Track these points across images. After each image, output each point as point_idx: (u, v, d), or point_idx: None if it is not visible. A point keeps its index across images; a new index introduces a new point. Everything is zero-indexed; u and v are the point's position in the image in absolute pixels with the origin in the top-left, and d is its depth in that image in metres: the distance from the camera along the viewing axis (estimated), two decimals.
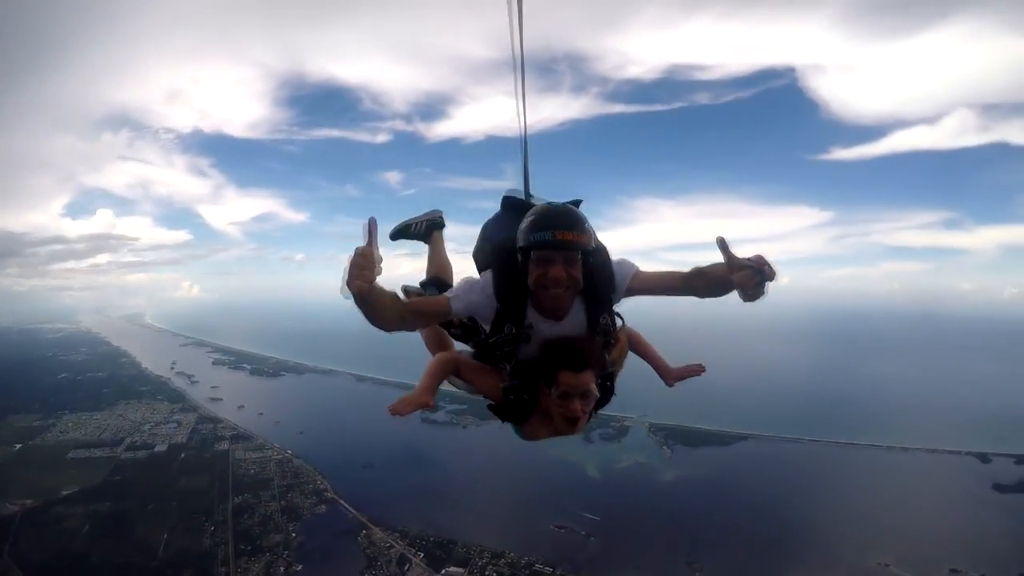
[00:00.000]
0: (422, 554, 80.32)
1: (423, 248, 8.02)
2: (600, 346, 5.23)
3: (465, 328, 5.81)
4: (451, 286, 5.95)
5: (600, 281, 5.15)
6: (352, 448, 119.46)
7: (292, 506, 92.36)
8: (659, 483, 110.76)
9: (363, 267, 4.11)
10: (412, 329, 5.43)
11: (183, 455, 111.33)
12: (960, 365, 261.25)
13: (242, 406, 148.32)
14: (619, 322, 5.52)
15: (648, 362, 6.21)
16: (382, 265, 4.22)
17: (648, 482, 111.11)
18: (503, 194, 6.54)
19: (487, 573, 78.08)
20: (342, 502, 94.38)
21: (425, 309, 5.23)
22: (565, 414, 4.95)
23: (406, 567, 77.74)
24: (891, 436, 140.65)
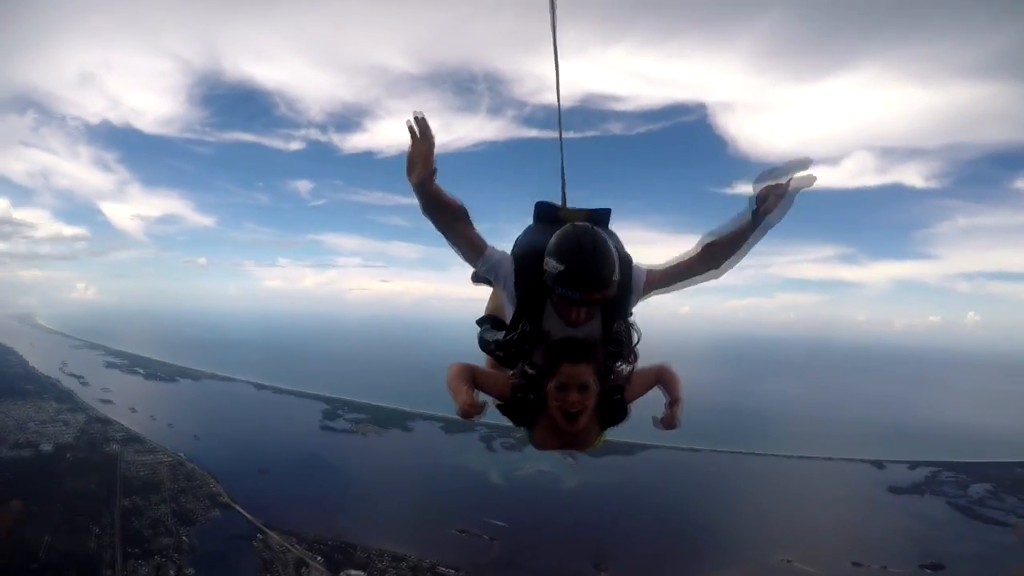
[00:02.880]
0: (320, 557, 79.99)
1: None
2: (603, 350, 5.26)
3: (506, 352, 5.61)
4: (505, 325, 5.88)
5: (618, 292, 5.13)
6: (249, 454, 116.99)
7: (184, 510, 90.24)
8: (563, 490, 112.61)
9: (421, 156, 4.54)
10: (455, 243, 5.31)
11: (70, 456, 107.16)
12: (854, 385, 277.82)
13: (134, 409, 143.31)
14: (637, 334, 5.52)
15: (666, 388, 5.97)
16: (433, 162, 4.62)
17: (552, 489, 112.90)
18: (536, 200, 6.41)
19: (388, 575, 78.05)
20: (237, 507, 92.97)
21: (469, 235, 5.24)
22: (563, 406, 4.99)
23: (304, 570, 77.41)
24: (790, 446, 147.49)
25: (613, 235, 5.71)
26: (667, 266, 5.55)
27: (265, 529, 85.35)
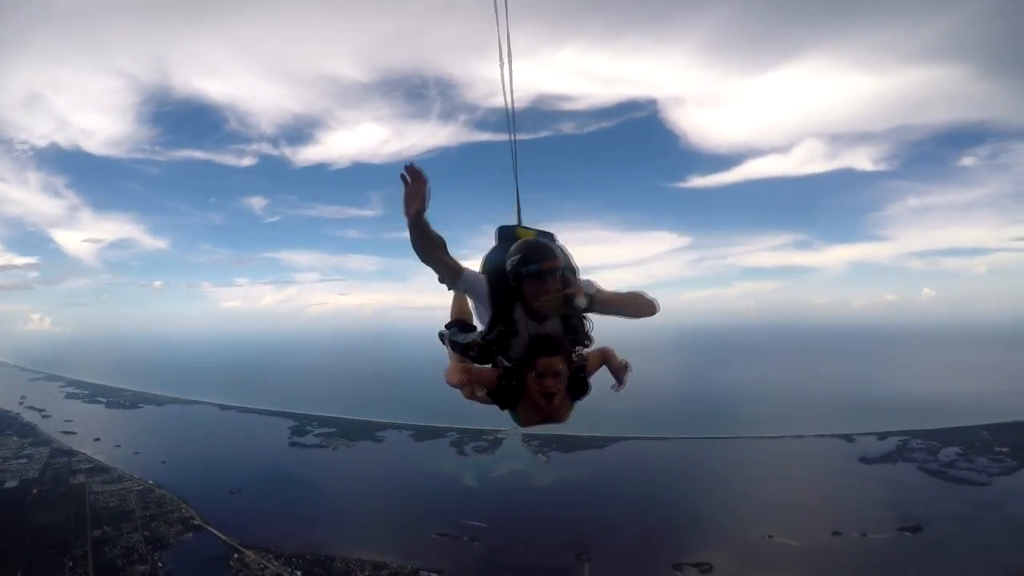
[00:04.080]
0: (299, 572, 79.83)
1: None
2: (567, 341, 6.81)
3: (481, 352, 7.01)
4: (473, 327, 7.78)
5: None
6: (218, 475, 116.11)
7: (157, 536, 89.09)
8: (538, 487, 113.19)
9: (417, 195, 5.72)
10: (438, 270, 6.68)
11: (35, 490, 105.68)
12: (816, 365, 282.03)
13: (98, 439, 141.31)
14: (589, 325, 7.00)
15: (608, 367, 7.43)
16: (428, 199, 5.81)
17: (527, 487, 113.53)
18: (498, 226, 8.01)
19: None
20: (210, 528, 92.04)
21: (449, 262, 6.53)
22: (541, 390, 6.46)
23: None
24: (759, 428, 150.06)
25: (562, 250, 7.12)
26: (608, 292, 6.83)
27: (241, 548, 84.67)
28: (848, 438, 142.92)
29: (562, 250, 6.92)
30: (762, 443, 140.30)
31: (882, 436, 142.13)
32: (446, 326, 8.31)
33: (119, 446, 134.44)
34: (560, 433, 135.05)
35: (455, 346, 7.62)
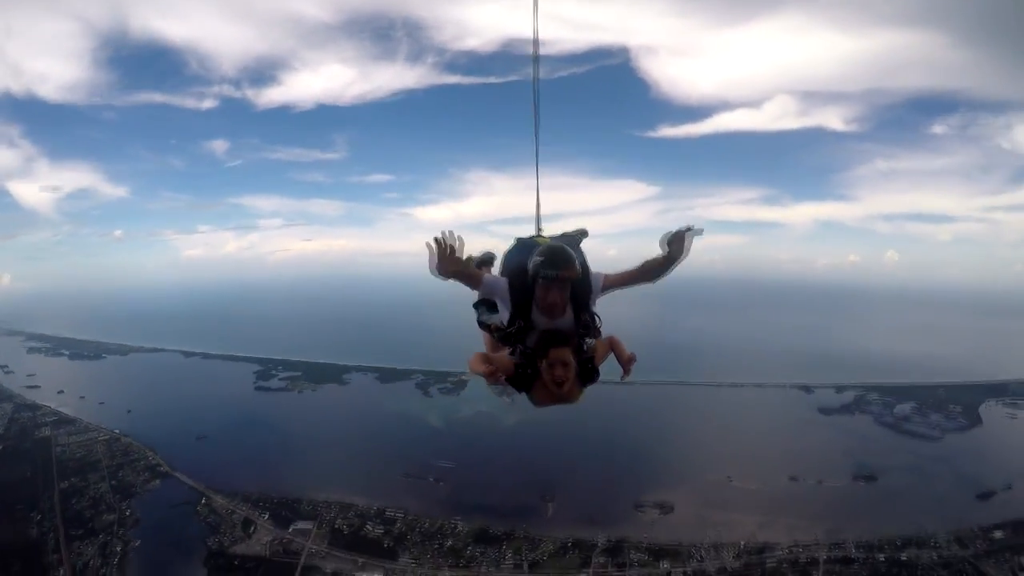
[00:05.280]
0: (267, 515, 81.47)
1: None
2: (577, 336, 7.63)
3: (503, 336, 7.85)
4: (493, 304, 8.55)
5: (582, 291, 7.64)
6: (184, 422, 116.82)
7: (124, 484, 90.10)
8: (503, 428, 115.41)
9: (448, 260, 6.85)
10: (461, 282, 7.50)
11: (1, 446, 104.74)
12: (779, 319, 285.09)
13: (62, 391, 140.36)
14: (598, 320, 7.89)
15: (616, 355, 8.18)
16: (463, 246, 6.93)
17: (492, 428, 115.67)
18: (515, 238, 8.87)
19: (337, 524, 79.89)
20: (177, 475, 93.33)
21: (471, 275, 7.40)
22: (552, 378, 7.32)
23: (251, 529, 78.55)
24: (720, 376, 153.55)
25: (579, 250, 8.08)
26: (617, 274, 7.76)
27: (208, 493, 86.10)
28: (807, 389, 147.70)
29: (576, 251, 7.83)
30: (723, 391, 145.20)
31: (840, 389, 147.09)
32: (474, 305, 9.07)
33: (83, 397, 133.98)
34: None
35: (480, 324, 8.82)
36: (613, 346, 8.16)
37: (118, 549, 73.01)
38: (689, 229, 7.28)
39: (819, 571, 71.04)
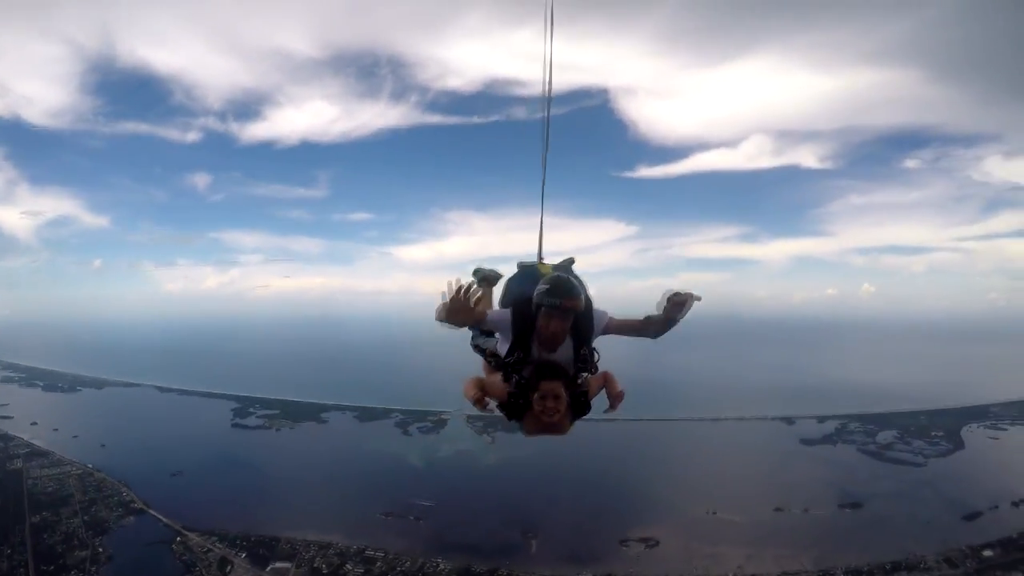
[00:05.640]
0: (244, 554, 79.73)
1: None
2: (576, 369, 7.61)
3: (499, 365, 7.85)
4: (490, 332, 8.59)
5: (584, 325, 7.62)
6: (160, 457, 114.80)
7: (97, 520, 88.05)
8: (484, 467, 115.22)
9: (462, 310, 6.96)
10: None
11: None
12: (758, 353, 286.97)
13: (35, 423, 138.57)
14: (596, 355, 7.85)
15: (607, 392, 8.12)
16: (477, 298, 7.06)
17: (473, 467, 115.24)
18: (518, 262, 9.36)
19: (316, 564, 78.50)
20: (152, 511, 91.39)
21: (475, 317, 7.31)
22: (543, 410, 7.15)
23: (228, 568, 77.01)
24: (702, 410, 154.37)
25: (583, 284, 7.85)
26: (621, 320, 7.86)
27: (183, 531, 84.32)
28: (788, 420, 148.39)
29: (580, 284, 7.66)
30: (705, 425, 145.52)
31: (822, 419, 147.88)
32: (469, 328, 9.00)
33: (57, 430, 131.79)
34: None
35: (475, 348, 8.87)
36: (607, 381, 8.15)
37: None
38: (691, 295, 7.44)
39: None
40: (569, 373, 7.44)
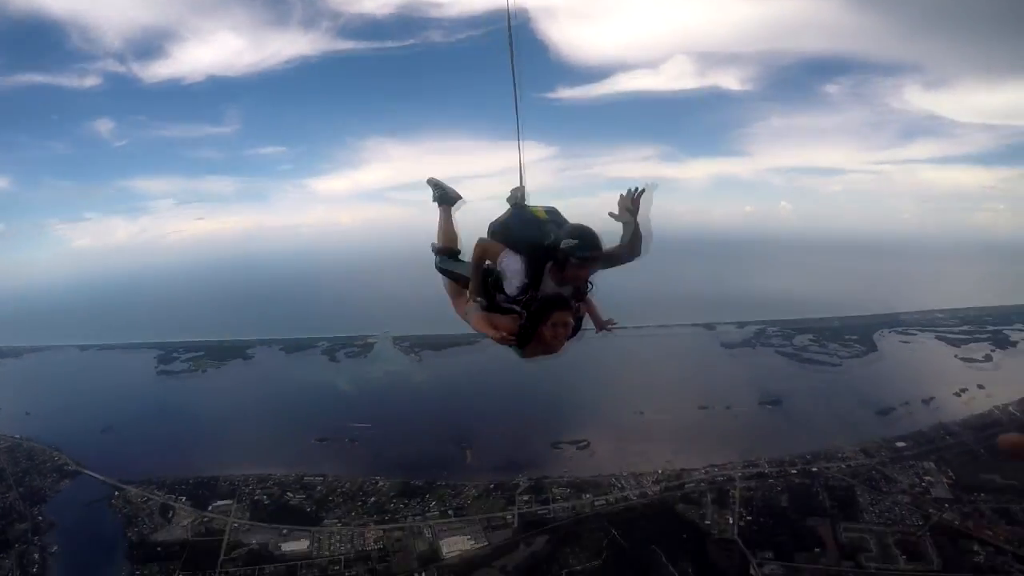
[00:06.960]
0: (184, 498, 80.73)
1: None
2: (573, 300, 8.36)
3: (507, 299, 8.34)
4: (457, 253, 9.84)
5: None
6: (88, 416, 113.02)
7: (33, 490, 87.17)
8: (414, 385, 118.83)
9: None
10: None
11: None
12: (678, 266, 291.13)
13: None
14: (591, 286, 8.80)
15: (591, 316, 9.54)
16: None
17: (403, 386, 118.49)
18: (508, 199, 9.78)
19: (257, 497, 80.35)
20: (87, 471, 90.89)
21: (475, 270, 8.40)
22: (553, 335, 7.85)
23: (170, 514, 77.83)
24: (624, 319, 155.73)
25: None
26: (606, 251, 8.13)
27: (121, 485, 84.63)
28: (709, 327, 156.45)
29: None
30: (627, 333, 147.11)
31: (741, 325, 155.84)
32: (434, 251, 10.06)
33: None
34: (431, 334, 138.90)
35: (440, 269, 9.67)
36: (588, 308, 9.29)
37: (36, 557, 71.26)
38: (640, 190, 8.14)
39: (736, 489, 75.45)
40: (573, 304, 8.30)
